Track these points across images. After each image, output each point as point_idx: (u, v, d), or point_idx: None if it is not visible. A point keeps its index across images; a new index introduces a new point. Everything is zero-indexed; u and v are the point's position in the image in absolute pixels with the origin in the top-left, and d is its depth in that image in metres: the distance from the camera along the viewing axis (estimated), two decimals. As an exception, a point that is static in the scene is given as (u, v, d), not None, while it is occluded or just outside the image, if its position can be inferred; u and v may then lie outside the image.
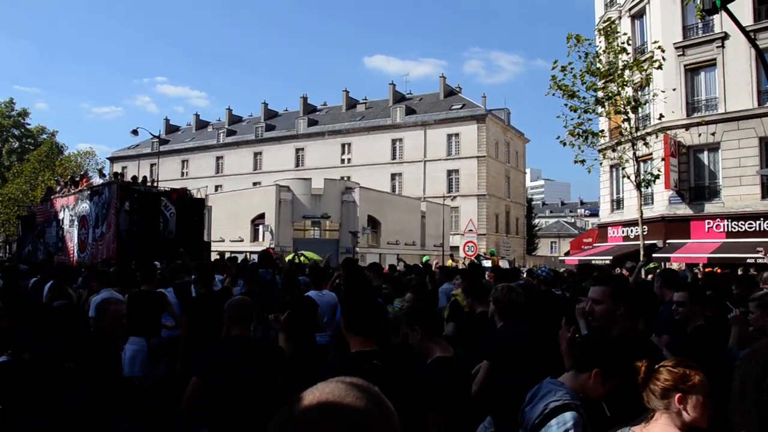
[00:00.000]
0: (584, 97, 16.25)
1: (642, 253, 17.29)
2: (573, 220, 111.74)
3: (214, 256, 24.06)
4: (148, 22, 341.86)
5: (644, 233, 17.92)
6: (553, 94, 16.08)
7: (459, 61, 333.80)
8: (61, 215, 25.82)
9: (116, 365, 4.99)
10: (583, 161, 16.59)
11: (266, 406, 4.04)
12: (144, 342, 7.02)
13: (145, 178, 26.54)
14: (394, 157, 62.66)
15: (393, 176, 62.02)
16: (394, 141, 62.80)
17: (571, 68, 15.96)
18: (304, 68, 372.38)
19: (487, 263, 24.50)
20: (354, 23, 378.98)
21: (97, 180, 24.75)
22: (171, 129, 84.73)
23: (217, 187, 66.57)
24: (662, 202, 25.42)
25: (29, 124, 75.42)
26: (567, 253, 31.86)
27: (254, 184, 61.55)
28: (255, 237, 44.86)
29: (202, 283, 7.68)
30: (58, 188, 29.13)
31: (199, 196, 25.25)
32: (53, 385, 3.49)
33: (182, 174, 75.06)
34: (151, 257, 13.77)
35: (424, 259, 25.95)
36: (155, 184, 26.70)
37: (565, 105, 16.14)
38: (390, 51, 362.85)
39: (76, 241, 23.83)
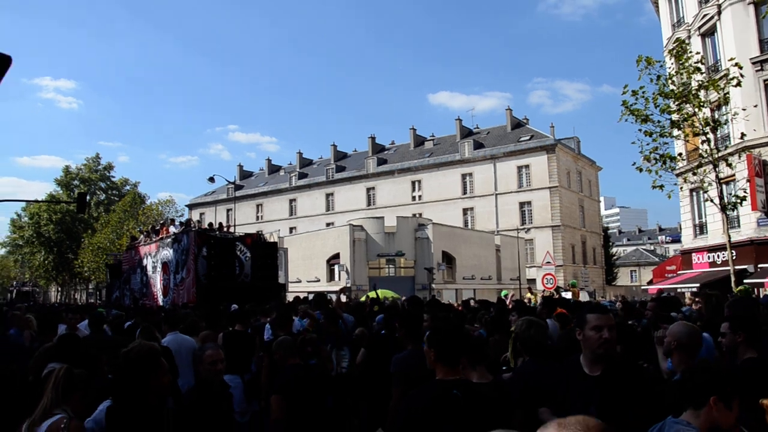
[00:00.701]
0: (659, 121, 15.79)
1: (733, 279, 16.47)
2: (652, 248, 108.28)
3: (290, 298, 24.46)
4: (216, 72, 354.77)
5: (733, 258, 17.10)
6: (626, 120, 15.72)
7: (523, 92, 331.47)
8: (144, 262, 26.78)
9: (218, 407, 5.03)
10: (661, 186, 16.05)
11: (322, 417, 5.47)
12: (239, 379, 7.20)
13: (221, 224, 27.37)
14: (464, 192, 62.42)
15: (465, 211, 61.71)
16: (464, 176, 62.64)
17: (643, 92, 15.56)
18: (370, 108, 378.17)
19: (567, 295, 23.90)
20: (415, 61, 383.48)
21: (173, 228, 25.64)
22: (245, 174, 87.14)
23: (291, 229, 67.83)
24: (750, 224, 24.32)
25: (114, 177, 79.74)
26: (650, 282, 30.76)
27: (327, 224, 62.38)
28: (331, 277, 45.20)
29: (281, 327, 7.79)
30: (141, 237, 30.27)
31: (272, 240, 25.83)
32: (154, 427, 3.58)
33: (257, 218, 76.81)
34: (229, 300, 14.10)
35: (503, 293, 25.59)
36: (232, 229, 27.52)
37: (639, 130, 15.73)
38: (453, 86, 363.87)
39: (159, 286, 24.64)
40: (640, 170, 16.00)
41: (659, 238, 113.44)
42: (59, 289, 79.84)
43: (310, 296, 22.17)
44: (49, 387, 3.63)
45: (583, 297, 30.51)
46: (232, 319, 8.49)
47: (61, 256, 71.16)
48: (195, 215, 79.09)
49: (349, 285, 37.74)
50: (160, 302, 23.16)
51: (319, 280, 44.83)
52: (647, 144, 15.88)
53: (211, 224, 27.77)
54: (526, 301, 19.11)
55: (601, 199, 78.04)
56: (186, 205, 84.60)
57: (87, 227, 68.96)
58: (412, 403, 3.35)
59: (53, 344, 5.53)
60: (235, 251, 22.23)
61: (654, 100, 15.68)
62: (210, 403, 4.72)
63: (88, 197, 61.23)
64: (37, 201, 69.27)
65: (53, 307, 31.08)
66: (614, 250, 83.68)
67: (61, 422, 3.44)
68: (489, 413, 3.32)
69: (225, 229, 25.80)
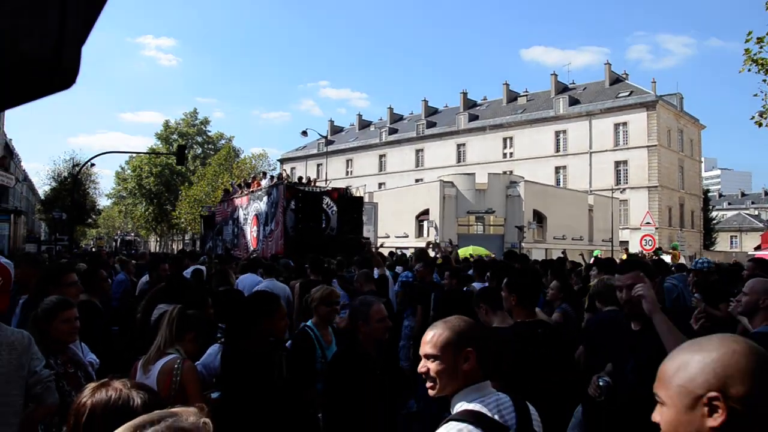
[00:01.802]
0: (787, 70, 14.44)
1: None
2: (757, 212, 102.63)
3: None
4: (307, 29, 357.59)
5: None
6: (749, 70, 14.54)
7: (622, 47, 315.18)
8: (236, 214, 27.55)
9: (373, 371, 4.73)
10: (784, 143, 14.81)
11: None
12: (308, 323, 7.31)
13: (308, 178, 27.80)
14: (557, 149, 60.73)
15: (557, 169, 60.13)
16: (557, 133, 60.86)
17: (771, 38, 14.28)
18: (461, 63, 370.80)
19: (667, 258, 22.94)
20: (508, 15, 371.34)
21: (264, 182, 26.21)
22: (335, 130, 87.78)
23: (380, 185, 67.94)
24: None
25: (210, 132, 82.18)
26: (758, 248, 29.04)
27: (416, 180, 62.23)
28: (419, 233, 45.17)
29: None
30: (233, 190, 31.07)
31: (358, 195, 26.08)
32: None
33: (347, 173, 77.43)
34: (316, 252, 14.31)
35: (595, 253, 24.89)
36: (325, 183, 27.86)
37: (764, 80, 14.49)
38: (547, 41, 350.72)
39: (250, 237, 25.35)
40: (760, 125, 14.85)
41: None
42: (158, 239, 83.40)
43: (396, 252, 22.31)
44: (163, 326, 3.63)
45: (682, 260, 29.24)
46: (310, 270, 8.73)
47: (160, 207, 74.14)
48: (286, 169, 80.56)
49: (437, 240, 37.59)
50: (250, 253, 23.82)
51: (407, 236, 44.87)
52: (772, 96, 14.60)
53: (300, 178, 28.27)
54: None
55: (702, 159, 74.38)
56: (278, 160, 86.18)
57: (184, 180, 71.42)
58: (504, 342, 3.74)
59: (162, 286, 5.62)
60: (322, 205, 22.55)
61: (782, 47, 14.33)
62: (364, 369, 3.85)
63: (186, 151, 63.39)
64: (138, 153, 72.32)
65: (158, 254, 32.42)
66: (714, 214, 79.80)
67: (174, 362, 3.44)
68: (561, 348, 4.05)
69: (313, 184, 26.16)
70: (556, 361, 3.91)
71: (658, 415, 1.42)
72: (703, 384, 1.32)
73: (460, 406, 2.27)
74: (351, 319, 4.06)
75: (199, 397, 3.27)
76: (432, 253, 18.40)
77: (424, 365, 2.35)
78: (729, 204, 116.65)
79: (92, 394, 1.83)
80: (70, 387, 3.37)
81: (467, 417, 2.18)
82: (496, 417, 2.23)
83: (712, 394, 1.30)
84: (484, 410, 2.23)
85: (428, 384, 2.35)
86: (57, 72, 0.73)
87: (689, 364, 1.36)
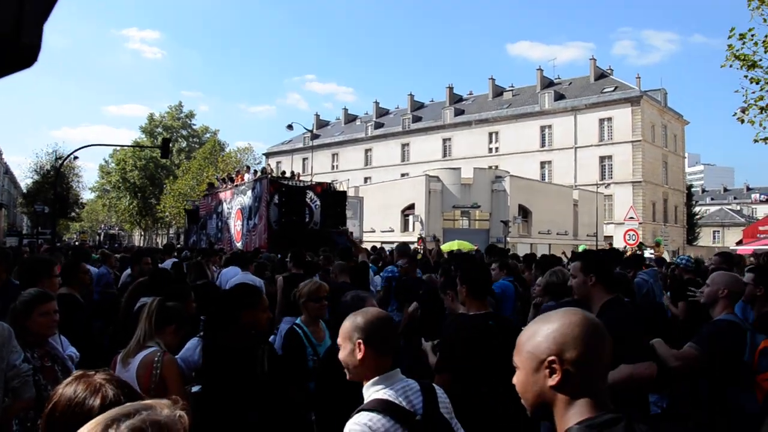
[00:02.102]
0: (768, 67, 14.50)
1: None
2: (739, 207, 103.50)
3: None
4: (293, 22, 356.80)
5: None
6: (731, 66, 14.60)
7: (607, 43, 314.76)
8: (220, 208, 27.56)
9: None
10: (766, 140, 14.86)
11: None
12: (299, 321, 7.26)
13: (292, 172, 27.89)
14: (543, 144, 60.83)
15: (542, 164, 60.27)
16: (542, 128, 60.97)
17: (752, 35, 14.33)
18: (448, 58, 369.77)
19: (649, 253, 23.06)
20: (494, 9, 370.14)
21: (248, 176, 26.27)
22: (321, 124, 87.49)
23: (366, 179, 67.93)
24: None
25: (195, 125, 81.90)
26: (739, 242, 29.20)
27: (402, 175, 62.13)
28: (405, 227, 45.27)
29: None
30: (217, 184, 31.01)
31: (341, 189, 26.16)
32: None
33: (333, 167, 77.16)
34: (299, 246, 14.34)
35: (580, 248, 25.00)
36: (310, 178, 27.93)
37: (745, 77, 14.54)
38: (533, 36, 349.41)
39: (233, 231, 25.40)
40: (742, 121, 14.91)
41: (754, 196, 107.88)
42: (142, 233, 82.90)
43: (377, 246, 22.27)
44: (142, 319, 3.60)
45: (665, 256, 29.40)
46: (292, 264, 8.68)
47: (144, 201, 73.70)
48: (272, 164, 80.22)
49: (422, 234, 37.65)
50: (234, 247, 23.81)
51: (393, 230, 44.93)
52: (752, 93, 14.70)
53: (283, 172, 28.34)
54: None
55: (686, 155, 74.76)
56: (263, 154, 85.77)
57: (169, 174, 71.05)
58: (458, 333, 3.90)
59: (145, 279, 5.58)
60: (306, 199, 22.67)
61: (765, 44, 14.40)
62: None
63: (170, 144, 62.95)
64: (122, 146, 71.74)
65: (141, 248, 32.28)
66: (697, 209, 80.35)
67: (154, 355, 3.42)
68: (513, 339, 3.94)
69: (297, 178, 26.27)
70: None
71: (515, 378, 1.67)
72: (545, 350, 1.58)
73: (368, 396, 2.44)
74: (343, 315, 3.92)
75: (179, 391, 3.24)
76: (413, 247, 18.43)
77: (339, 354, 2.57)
78: (712, 199, 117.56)
79: (65, 386, 1.81)
80: (46, 381, 3.33)
81: (376, 406, 2.34)
82: (404, 403, 2.39)
83: (551, 357, 1.56)
84: (392, 398, 2.39)
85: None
86: (17, 49, 0.70)
87: (537, 333, 1.62)
